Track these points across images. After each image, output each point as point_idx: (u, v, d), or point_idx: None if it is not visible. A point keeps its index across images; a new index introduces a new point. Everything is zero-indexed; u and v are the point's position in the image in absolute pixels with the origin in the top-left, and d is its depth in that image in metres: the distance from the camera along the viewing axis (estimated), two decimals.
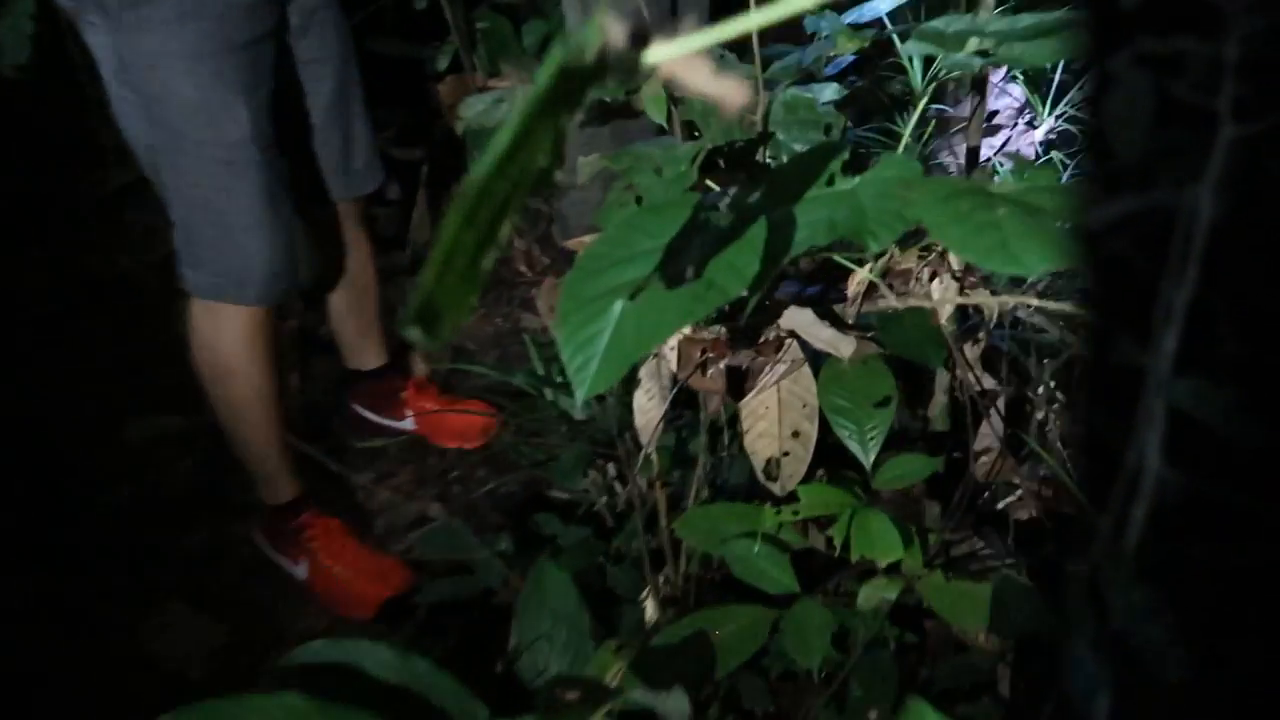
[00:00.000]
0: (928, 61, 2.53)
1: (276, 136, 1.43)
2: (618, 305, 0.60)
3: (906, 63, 2.49)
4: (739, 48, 1.18)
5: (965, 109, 2.53)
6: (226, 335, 1.46)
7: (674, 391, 1.10)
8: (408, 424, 1.94)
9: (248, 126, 1.35)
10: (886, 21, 2.17)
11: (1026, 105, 2.39)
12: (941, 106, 2.50)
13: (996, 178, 2.04)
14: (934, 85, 2.23)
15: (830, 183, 0.67)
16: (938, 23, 0.73)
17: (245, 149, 1.36)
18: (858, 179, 0.66)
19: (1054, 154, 2.27)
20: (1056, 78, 2.35)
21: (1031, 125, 2.36)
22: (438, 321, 0.30)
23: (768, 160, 1.03)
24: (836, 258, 0.91)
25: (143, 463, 1.96)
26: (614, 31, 0.30)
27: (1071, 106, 2.31)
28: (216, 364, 1.49)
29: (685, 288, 0.58)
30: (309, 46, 1.53)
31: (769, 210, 0.61)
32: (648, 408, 1.11)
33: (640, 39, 0.30)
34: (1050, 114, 2.33)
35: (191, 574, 1.73)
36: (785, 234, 0.59)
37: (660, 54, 0.30)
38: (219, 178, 1.37)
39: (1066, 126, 2.31)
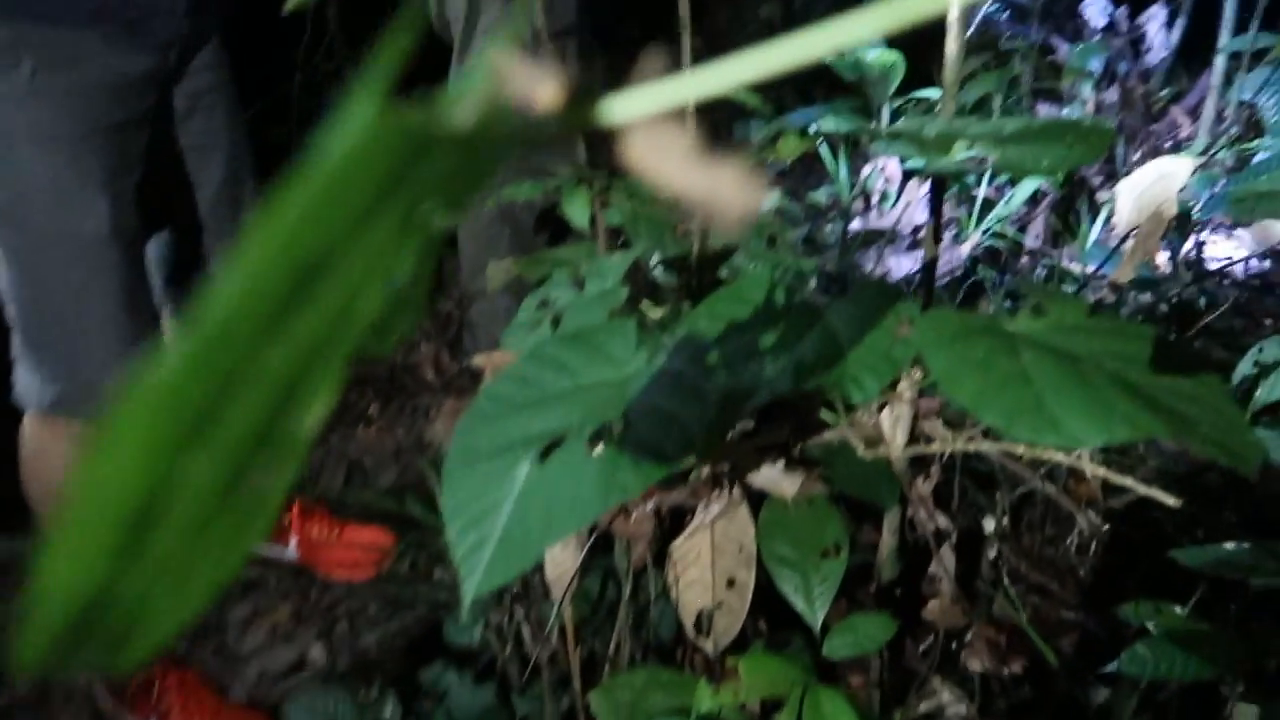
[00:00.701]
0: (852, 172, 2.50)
1: (143, 229, 1.26)
2: (522, 469, 0.45)
3: (832, 172, 2.45)
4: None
5: (888, 220, 2.49)
6: (69, 457, 1.25)
7: (593, 538, 0.95)
8: (290, 552, 1.72)
9: (106, 220, 1.18)
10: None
11: (952, 220, 2.36)
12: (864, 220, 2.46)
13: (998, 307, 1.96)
14: (860, 196, 2.17)
15: (789, 310, 0.54)
16: (910, 125, 0.62)
17: (102, 245, 1.18)
18: (829, 305, 0.53)
19: (980, 269, 2.23)
20: (981, 193, 2.33)
21: (958, 240, 2.33)
22: (123, 635, 0.15)
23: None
24: (826, 415, 0.77)
25: None
26: (518, 78, 0.16)
27: (998, 222, 2.29)
28: (55, 490, 1.27)
29: (613, 451, 0.43)
30: (194, 131, 1.37)
31: (723, 348, 0.47)
32: (561, 558, 0.94)
33: (576, 92, 0.16)
34: (976, 228, 2.31)
35: None
36: (744, 382, 0.45)
37: (617, 115, 0.15)
38: (70, 277, 1.18)
39: (993, 242, 2.28)
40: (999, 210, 2.28)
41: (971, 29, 2.72)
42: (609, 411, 0.46)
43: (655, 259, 0.87)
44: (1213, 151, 1.88)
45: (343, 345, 0.17)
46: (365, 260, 0.15)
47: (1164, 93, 2.77)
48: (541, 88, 0.16)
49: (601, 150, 1.54)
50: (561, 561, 0.95)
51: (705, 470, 0.99)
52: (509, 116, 0.16)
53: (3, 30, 1.08)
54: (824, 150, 2.48)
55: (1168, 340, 0.45)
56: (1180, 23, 2.82)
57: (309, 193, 0.13)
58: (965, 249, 2.30)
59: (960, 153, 0.57)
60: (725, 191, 0.15)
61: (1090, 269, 1.98)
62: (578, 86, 0.16)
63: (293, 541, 1.72)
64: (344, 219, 0.14)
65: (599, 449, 0.45)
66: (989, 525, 1.30)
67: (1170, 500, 0.75)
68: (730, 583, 1.04)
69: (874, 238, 2.35)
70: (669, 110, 0.16)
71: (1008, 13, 2.71)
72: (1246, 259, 1.99)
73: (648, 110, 0.16)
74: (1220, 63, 2.46)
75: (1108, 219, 2.21)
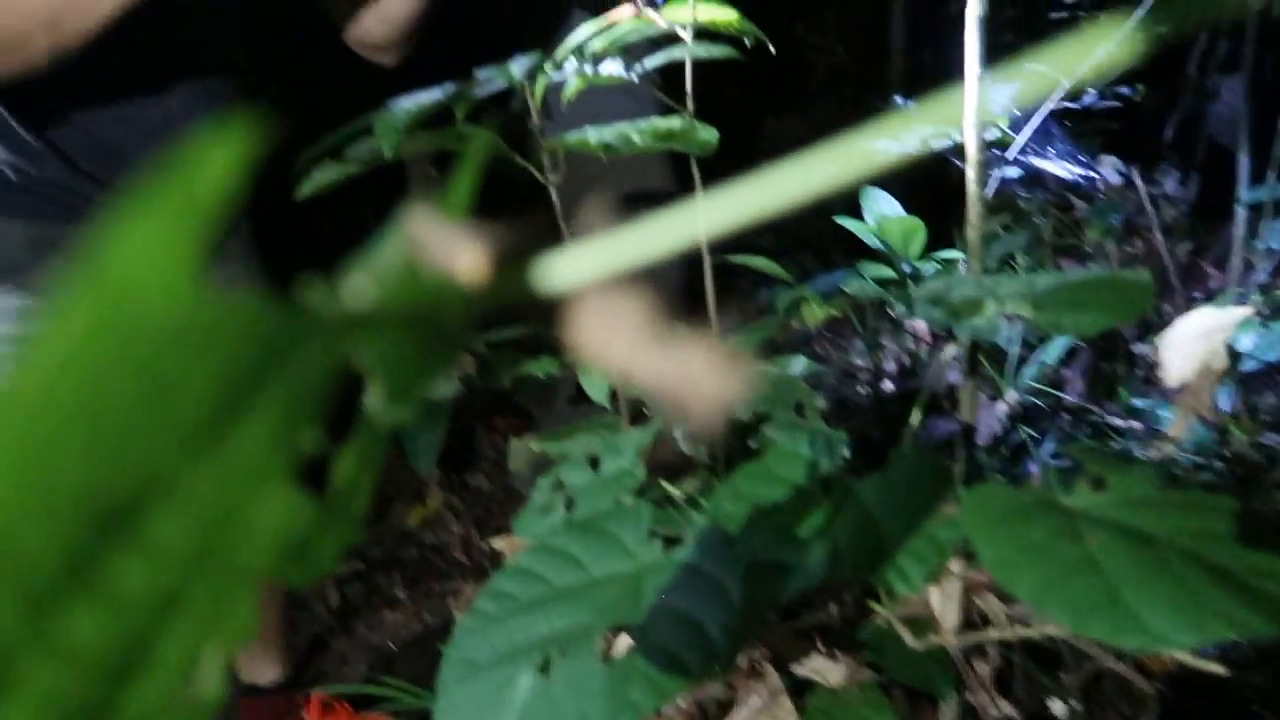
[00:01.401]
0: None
1: None
2: (523, 683, 0.39)
3: (861, 334, 2.44)
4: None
5: (921, 381, 2.45)
6: None
7: None
8: None
9: None
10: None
11: (986, 379, 2.32)
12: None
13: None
14: (891, 358, 2.14)
15: (821, 488, 0.49)
16: (937, 285, 0.59)
17: None
18: (864, 481, 0.48)
19: (1020, 428, 2.16)
20: (1015, 350, 2.30)
21: (993, 399, 2.28)
22: None
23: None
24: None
25: None
26: (435, 244, 0.12)
27: (1032, 380, 2.24)
28: None
29: (625, 661, 0.38)
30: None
31: (749, 536, 0.42)
32: None
33: (505, 257, 0.12)
34: (1011, 386, 2.26)
35: None
36: (771, 580, 0.39)
37: (557, 281, 0.11)
38: None
39: (1033, 400, 2.23)
40: (1031, 368, 2.24)
41: (988, 190, 2.77)
42: (621, 610, 0.41)
43: (680, 431, 0.83)
44: (1256, 302, 1.84)
45: (224, 589, 0.13)
46: (230, 476, 0.11)
47: (1187, 245, 2.77)
48: (461, 255, 0.12)
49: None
50: None
51: (743, 658, 0.91)
52: (422, 290, 0.12)
53: (29, 230, 1.11)
54: (851, 313, 2.48)
55: (1255, 511, 0.40)
56: (1195, 177, 2.86)
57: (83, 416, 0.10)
58: (1002, 408, 2.25)
59: (993, 312, 0.53)
60: (695, 378, 0.11)
61: (1137, 425, 1.91)
62: (506, 249, 0.12)
63: None
64: (165, 435, 0.10)
65: (614, 650, 0.39)
66: (1057, 709, 1.19)
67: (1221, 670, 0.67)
68: None
69: (908, 400, 2.31)
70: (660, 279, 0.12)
71: (1022, 172, 2.76)
72: None
73: (595, 273, 0.12)
74: (1241, 213, 2.46)
75: (1147, 373, 2.15)
